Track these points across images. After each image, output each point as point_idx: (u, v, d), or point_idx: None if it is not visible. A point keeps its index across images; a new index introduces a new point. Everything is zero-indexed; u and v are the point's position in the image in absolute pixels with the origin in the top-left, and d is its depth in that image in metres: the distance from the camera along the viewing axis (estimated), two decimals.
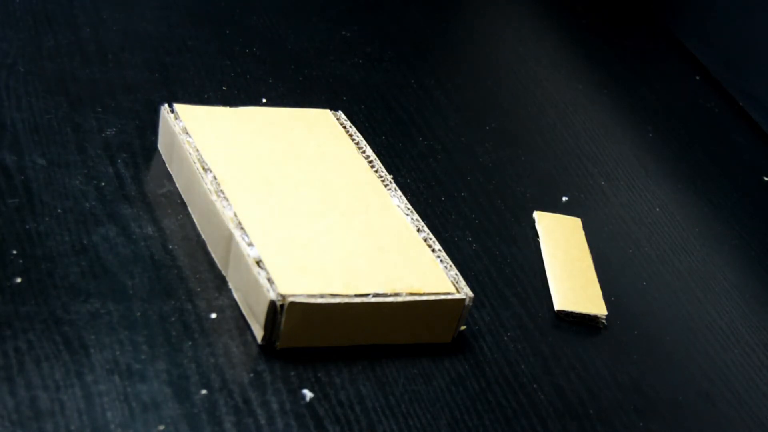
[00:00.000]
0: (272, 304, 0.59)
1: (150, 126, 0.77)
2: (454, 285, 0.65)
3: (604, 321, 0.73)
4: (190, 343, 0.60)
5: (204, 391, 0.57)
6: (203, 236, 0.68)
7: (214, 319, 0.62)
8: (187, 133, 0.71)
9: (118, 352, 0.58)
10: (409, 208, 0.71)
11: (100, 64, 0.83)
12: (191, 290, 0.64)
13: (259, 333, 0.61)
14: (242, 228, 0.64)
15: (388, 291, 0.63)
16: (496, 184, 0.85)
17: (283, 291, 0.60)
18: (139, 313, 0.61)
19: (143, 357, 0.58)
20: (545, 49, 1.12)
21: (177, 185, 0.72)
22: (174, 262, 0.65)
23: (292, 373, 0.60)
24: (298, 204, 0.68)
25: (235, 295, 0.64)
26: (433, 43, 1.06)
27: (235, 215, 0.65)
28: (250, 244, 0.63)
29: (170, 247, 0.66)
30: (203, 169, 0.68)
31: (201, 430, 0.55)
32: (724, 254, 0.86)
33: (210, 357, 0.60)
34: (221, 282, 0.65)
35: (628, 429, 0.65)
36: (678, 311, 0.77)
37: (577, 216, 0.83)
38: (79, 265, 0.63)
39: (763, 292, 0.83)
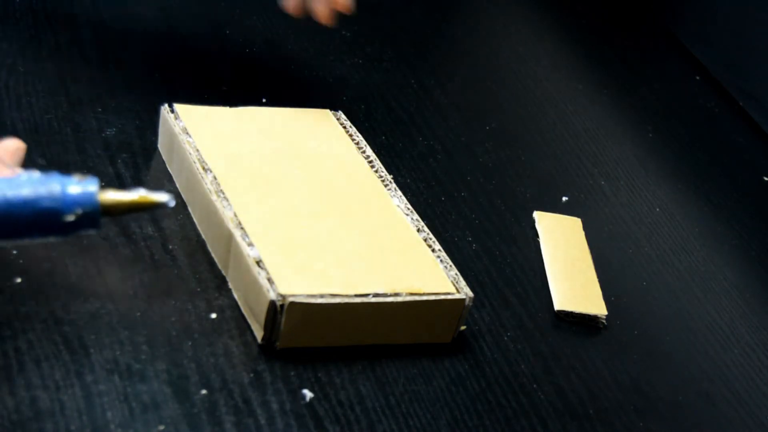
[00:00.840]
0: (272, 304, 0.59)
1: (150, 126, 0.77)
2: (454, 285, 0.65)
3: (604, 321, 0.73)
4: (190, 343, 0.60)
5: (204, 391, 0.57)
6: (203, 236, 0.68)
7: (214, 319, 0.62)
8: (187, 133, 0.71)
9: (118, 352, 0.58)
10: (409, 208, 0.70)
11: (100, 64, 0.83)
12: (191, 290, 0.64)
13: (259, 333, 0.61)
14: (242, 228, 0.64)
15: (388, 291, 0.63)
16: (496, 184, 0.85)
17: (283, 291, 0.60)
18: (139, 313, 0.61)
19: (143, 357, 0.58)
20: (545, 49, 1.12)
21: (177, 185, 0.72)
22: (174, 262, 0.65)
23: (292, 373, 0.60)
24: (298, 204, 0.68)
25: (235, 295, 0.64)
26: (433, 43, 1.06)
27: (235, 215, 0.65)
28: (250, 244, 0.63)
29: (170, 247, 0.66)
30: (203, 169, 0.68)
31: (201, 430, 0.55)
32: (724, 254, 0.86)
33: (210, 357, 0.60)
34: (221, 282, 0.65)
35: (628, 429, 0.65)
36: (678, 311, 0.77)
37: (577, 216, 0.83)
38: (79, 265, 0.63)
39: (763, 292, 0.83)
